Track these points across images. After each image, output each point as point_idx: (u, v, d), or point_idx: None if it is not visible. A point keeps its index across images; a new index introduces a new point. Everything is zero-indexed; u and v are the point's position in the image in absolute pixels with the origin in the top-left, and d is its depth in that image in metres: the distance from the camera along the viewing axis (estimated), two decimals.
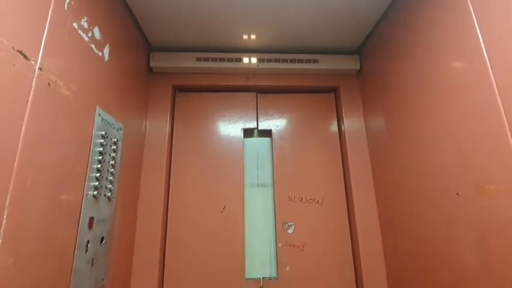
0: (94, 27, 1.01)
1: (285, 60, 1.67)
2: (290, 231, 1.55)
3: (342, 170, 1.67)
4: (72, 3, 0.88)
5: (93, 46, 1.01)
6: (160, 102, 1.63)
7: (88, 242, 0.95)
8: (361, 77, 1.72)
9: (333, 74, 1.74)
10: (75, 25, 0.90)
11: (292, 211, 1.58)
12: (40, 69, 0.74)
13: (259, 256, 1.54)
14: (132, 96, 1.38)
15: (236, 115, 1.72)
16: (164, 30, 1.50)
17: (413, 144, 1.19)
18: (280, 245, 1.53)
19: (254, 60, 1.65)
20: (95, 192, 0.98)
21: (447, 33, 0.99)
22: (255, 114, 1.74)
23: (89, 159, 0.96)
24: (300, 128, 1.73)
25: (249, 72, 1.71)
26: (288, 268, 1.50)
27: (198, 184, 1.59)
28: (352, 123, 1.67)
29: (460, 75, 0.93)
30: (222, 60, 1.64)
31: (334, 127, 1.75)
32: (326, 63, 1.68)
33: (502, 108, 0.78)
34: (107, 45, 1.11)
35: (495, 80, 0.80)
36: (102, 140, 1.04)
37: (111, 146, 1.11)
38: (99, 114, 1.04)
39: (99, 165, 1.01)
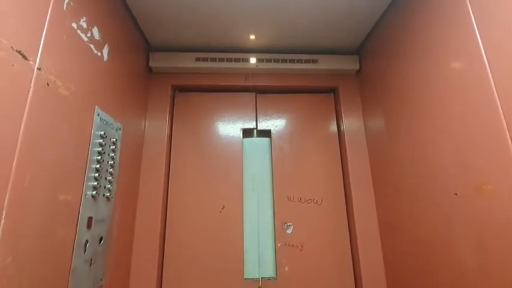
0: (93, 27, 1.01)
1: (284, 61, 1.67)
2: (289, 231, 1.55)
3: (341, 171, 1.67)
4: (71, 4, 0.88)
5: (92, 46, 1.01)
6: (160, 102, 1.63)
7: (87, 241, 0.95)
8: (361, 78, 1.72)
9: (332, 74, 1.75)
10: (74, 25, 0.90)
11: (291, 211, 1.58)
12: (39, 69, 0.74)
13: (258, 256, 1.54)
14: (131, 96, 1.38)
15: (235, 115, 1.72)
16: (164, 30, 1.50)
17: (412, 144, 1.19)
18: (279, 245, 1.53)
19: (253, 60, 1.65)
20: (94, 192, 0.98)
21: (446, 34, 0.99)
22: (254, 114, 1.74)
23: (87, 159, 0.96)
24: (299, 128, 1.73)
25: (248, 72, 1.71)
26: (286, 268, 1.50)
27: (197, 184, 1.59)
28: (352, 123, 1.67)
29: (459, 76, 0.93)
30: (221, 60, 1.64)
31: (334, 127, 1.75)
32: (325, 64, 1.69)
33: (500, 109, 0.78)
34: (106, 45, 1.11)
35: (494, 81, 0.80)
36: (101, 140, 1.04)
37: (110, 146, 1.11)
38: (98, 114, 1.04)
39: (98, 165, 1.01)
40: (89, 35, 0.99)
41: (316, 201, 1.61)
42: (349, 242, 1.56)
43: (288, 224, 1.56)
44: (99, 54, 1.06)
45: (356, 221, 1.50)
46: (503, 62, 0.78)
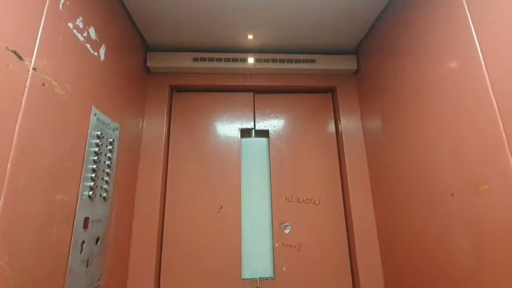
0: (89, 27, 1.01)
1: (282, 60, 1.67)
2: (287, 231, 1.55)
3: (338, 170, 1.67)
4: (67, 4, 0.88)
5: (88, 46, 1.01)
6: (157, 102, 1.63)
7: (83, 242, 0.95)
8: (358, 77, 1.72)
9: (330, 74, 1.75)
10: (70, 25, 0.90)
11: (289, 211, 1.58)
12: (34, 69, 0.74)
13: (256, 256, 1.54)
14: (128, 96, 1.38)
15: (233, 115, 1.72)
16: (161, 30, 1.50)
17: (409, 144, 1.19)
18: (276, 245, 1.53)
19: (251, 60, 1.65)
20: (90, 193, 0.98)
21: (443, 34, 0.99)
22: (252, 114, 1.74)
23: (84, 159, 0.96)
24: (297, 128, 1.73)
25: (246, 72, 1.71)
26: (284, 268, 1.50)
27: (195, 184, 1.59)
28: (349, 123, 1.67)
29: (456, 75, 0.93)
30: (219, 60, 1.64)
31: (332, 127, 1.75)
32: (323, 63, 1.69)
33: (496, 109, 0.78)
34: (103, 45, 1.11)
35: (490, 81, 0.80)
36: (98, 140, 1.04)
37: (106, 146, 1.11)
38: (95, 114, 1.04)
39: (94, 166, 1.01)
40: (85, 34, 0.98)
41: (314, 202, 1.61)
42: (346, 242, 1.56)
43: (286, 224, 1.56)
44: (95, 54, 1.06)
45: (354, 221, 1.50)
46: (500, 62, 0.78)
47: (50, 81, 0.80)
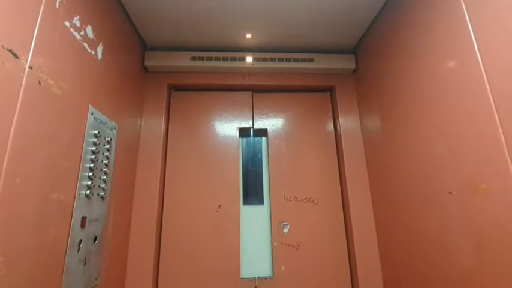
0: (87, 25, 1.01)
1: (280, 59, 1.66)
2: (285, 230, 1.55)
3: (337, 169, 1.67)
4: (64, 2, 0.88)
5: (85, 45, 1.00)
6: (156, 101, 1.62)
7: (80, 241, 0.94)
8: (357, 77, 1.72)
9: (328, 73, 1.74)
10: (67, 24, 0.90)
11: (287, 210, 1.58)
12: (30, 67, 0.74)
13: (255, 255, 1.54)
14: (126, 95, 1.37)
15: (232, 114, 1.72)
16: (159, 29, 1.50)
17: (407, 143, 1.19)
18: (275, 244, 1.53)
19: (250, 59, 1.65)
20: (88, 192, 0.98)
21: (441, 33, 0.99)
22: (251, 113, 1.74)
23: (81, 158, 0.95)
24: (296, 127, 1.73)
25: (245, 71, 1.71)
26: (283, 267, 1.50)
27: (194, 183, 1.58)
28: (348, 122, 1.67)
29: (453, 75, 0.93)
30: (217, 59, 1.63)
31: (330, 126, 1.75)
32: (322, 63, 1.68)
33: (494, 108, 0.78)
34: (100, 44, 1.11)
35: (488, 80, 0.80)
36: (95, 139, 1.04)
37: (104, 145, 1.11)
38: (92, 113, 1.03)
39: (91, 165, 1.01)
40: (82, 33, 0.98)
41: (313, 200, 1.61)
42: (345, 241, 1.56)
43: (285, 223, 1.56)
44: (93, 53, 1.06)
45: (352, 220, 1.50)
46: (497, 61, 0.78)
47: (47, 79, 0.80)
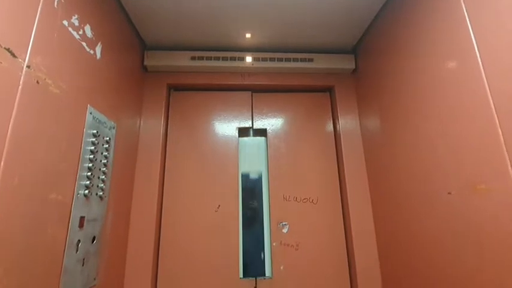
0: (85, 25, 1.00)
1: (280, 59, 1.66)
2: (284, 230, 1.55)
3: (336, 169, 1.67)
4: (62, 1, 0.87)
5: (84, 44, 1.00)
6: (155, 101, 1.62)
7: (79, 241, 0.94)
8: (356, 77, 1.72)
9: (328, 73, 1.74)
10: (65, 23, 0.89)
11: (286, 210, 1.58)
12: (28, 67, 0.73)
13: (254, 255, 1.54)
14: (125, 95, 1.37)
15: (231, 114, 1.72)
16: (158, 29, 1.49)
17: (407, 143, 1.19)
18: (274, 244, 1.53)
19: (249, 59, 1.65)
20: (86, 192, 0.97)
21: (440, 34, 0.99)
22: (250, 113, 1.73)
23: (79, 158, 0.95)
24: (295, 127, 1.73)
25: (244, 71, 1.71)
26: (282, 267, 1.49)
27: (193, 183, 1.58)
28: (347, 122, 1.67)
29: (453, 75, 0.93)
30: (216, 59, 1.63)
31: (330, 126, 1.75)
32: (321, 63, 1.68)
33: (493, 108, 0.78)
34: (99, 43, 1.10)
35: (487, 80, 0.80)
36: (94, 139, 1.03)
37: (103, 145, 1.10)
38: (91, 113, 1.03)
39: (90, 164, 1.00)
40: (80, 32, 0.98)
41: (312, 200, 1.60)
42: (344, 241, 1.56)
43: (284, 223, 1.56)
44: (91, 52, 1.05)
45: (352, 220, 1.50)
46: (497, 62, 0.77)
47: (45, 79, 0.79)
